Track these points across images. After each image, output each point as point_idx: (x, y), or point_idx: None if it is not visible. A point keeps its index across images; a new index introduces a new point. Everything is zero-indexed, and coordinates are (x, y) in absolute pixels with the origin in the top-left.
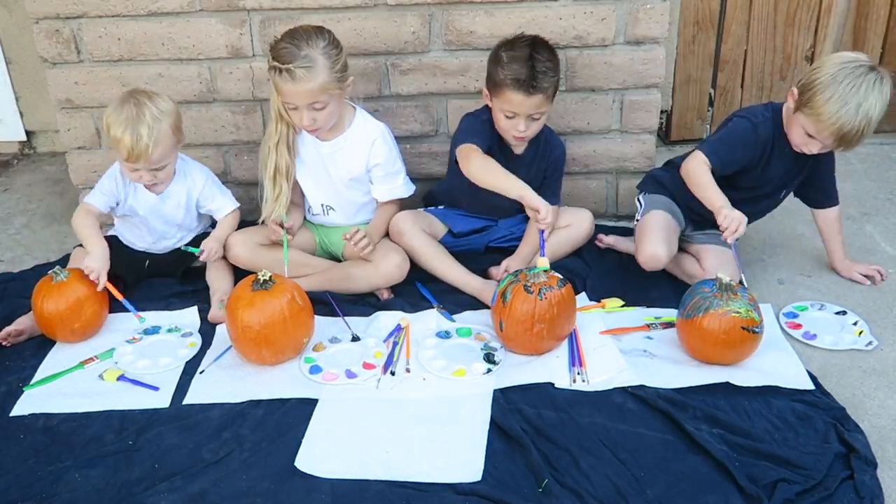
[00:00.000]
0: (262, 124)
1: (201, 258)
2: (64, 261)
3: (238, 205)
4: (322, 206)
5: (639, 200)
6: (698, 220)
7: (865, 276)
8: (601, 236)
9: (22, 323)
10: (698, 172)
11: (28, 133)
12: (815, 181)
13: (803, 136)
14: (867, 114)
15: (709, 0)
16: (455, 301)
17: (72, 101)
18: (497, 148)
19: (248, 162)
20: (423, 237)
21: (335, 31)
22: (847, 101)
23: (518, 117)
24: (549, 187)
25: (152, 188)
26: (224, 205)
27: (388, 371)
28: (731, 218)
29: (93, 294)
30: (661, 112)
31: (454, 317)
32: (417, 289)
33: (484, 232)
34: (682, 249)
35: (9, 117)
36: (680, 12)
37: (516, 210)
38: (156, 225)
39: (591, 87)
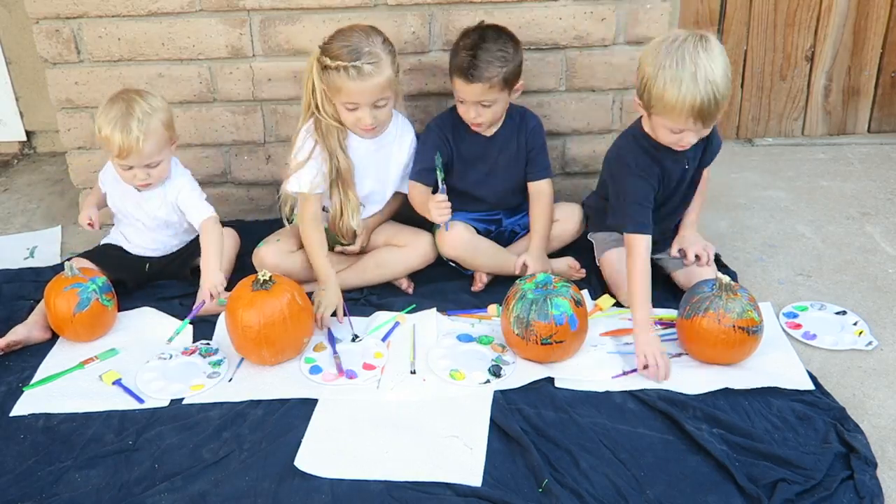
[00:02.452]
0: (262, 124)
1: (222, 300)
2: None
3: (211, 210)
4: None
5: (593, 242)
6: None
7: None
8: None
9: (18, 333)
10: (636, 253)
11: (28, 133)
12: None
13: (670, 134)
14: (707, 79)
15: (709, 0)
16: (456, 300)
17: (72, 101)
18: (467, 134)
19: (248, 162)
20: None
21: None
22: (681, 78)
23: (467, 103)
24: (535, 162)
25: (144, 187)
26: (202, 215)
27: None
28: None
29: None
30: None
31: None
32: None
33: (490, 236)
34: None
35: (9, 117)
36: (680, 12)
37: (518, 203)
38: (144, 223)
39: (591, 87)
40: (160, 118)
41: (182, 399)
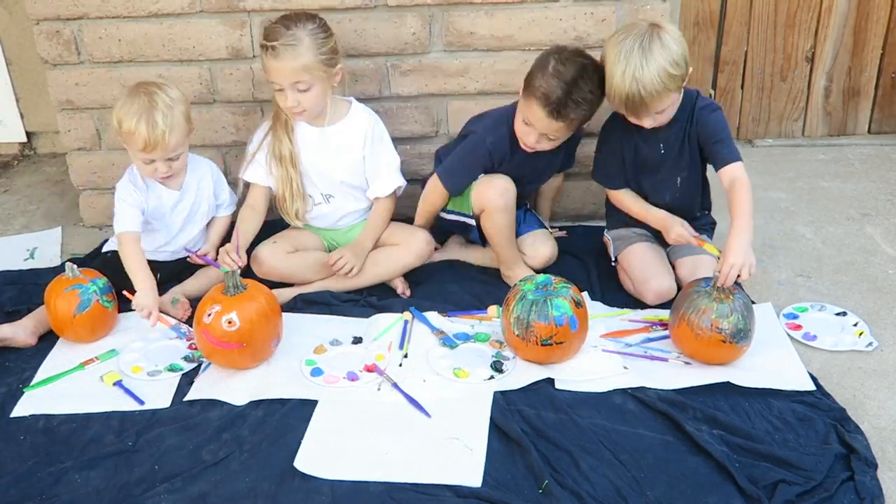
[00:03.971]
0: None
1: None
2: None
3: (235, 207)
4: (322, 195)
5: (606, 240)
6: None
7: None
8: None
9: (3, 331)
10: (623, 201)
11: (28, 134)
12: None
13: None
14: (634, 75)
15: (709, 1)
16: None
17: (72, 103)
18: (515, 143)
19: None
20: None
21: (336, 31)
22: (613, 73)
23: (533, 129)
24: (570, 154)
25: (168, 181)
26: (228, 200)
27: (402, 354)
28: (676, 235)
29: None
30: None
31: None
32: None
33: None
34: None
35: (9, 118)
36: (680, 13)
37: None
38: (175, 222)
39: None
40: (181, 110)
41: (182, 397)
